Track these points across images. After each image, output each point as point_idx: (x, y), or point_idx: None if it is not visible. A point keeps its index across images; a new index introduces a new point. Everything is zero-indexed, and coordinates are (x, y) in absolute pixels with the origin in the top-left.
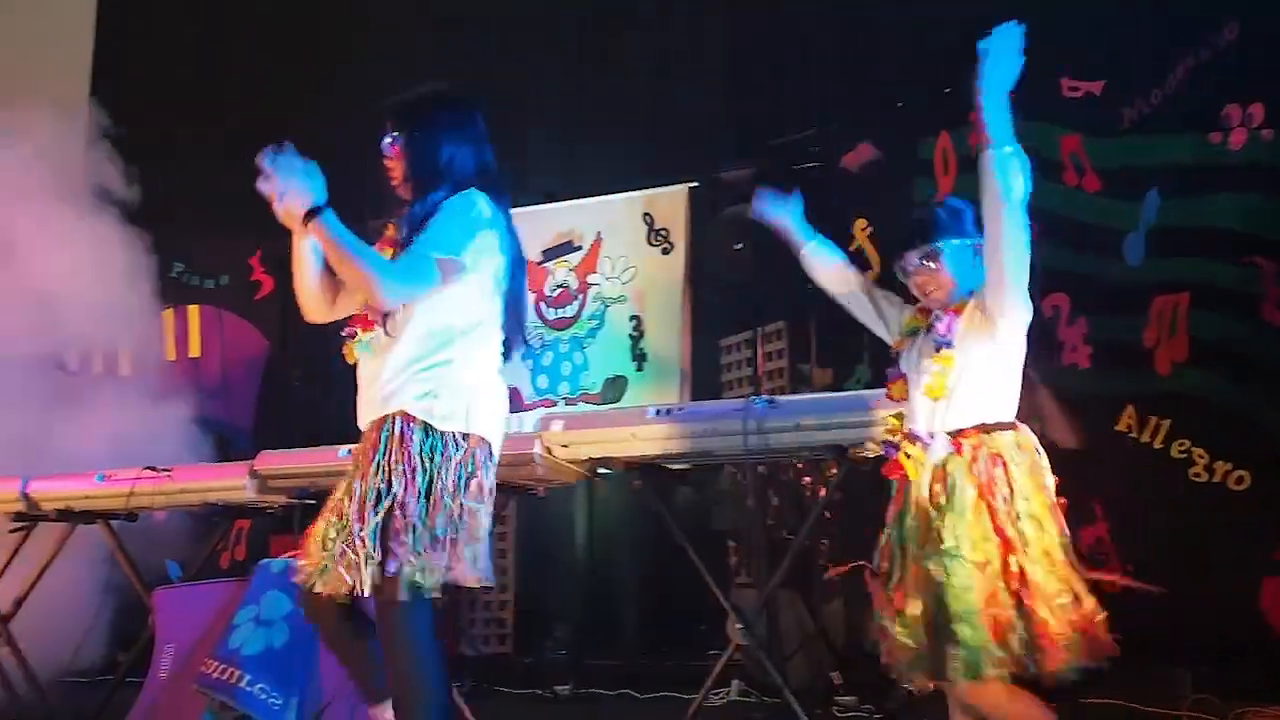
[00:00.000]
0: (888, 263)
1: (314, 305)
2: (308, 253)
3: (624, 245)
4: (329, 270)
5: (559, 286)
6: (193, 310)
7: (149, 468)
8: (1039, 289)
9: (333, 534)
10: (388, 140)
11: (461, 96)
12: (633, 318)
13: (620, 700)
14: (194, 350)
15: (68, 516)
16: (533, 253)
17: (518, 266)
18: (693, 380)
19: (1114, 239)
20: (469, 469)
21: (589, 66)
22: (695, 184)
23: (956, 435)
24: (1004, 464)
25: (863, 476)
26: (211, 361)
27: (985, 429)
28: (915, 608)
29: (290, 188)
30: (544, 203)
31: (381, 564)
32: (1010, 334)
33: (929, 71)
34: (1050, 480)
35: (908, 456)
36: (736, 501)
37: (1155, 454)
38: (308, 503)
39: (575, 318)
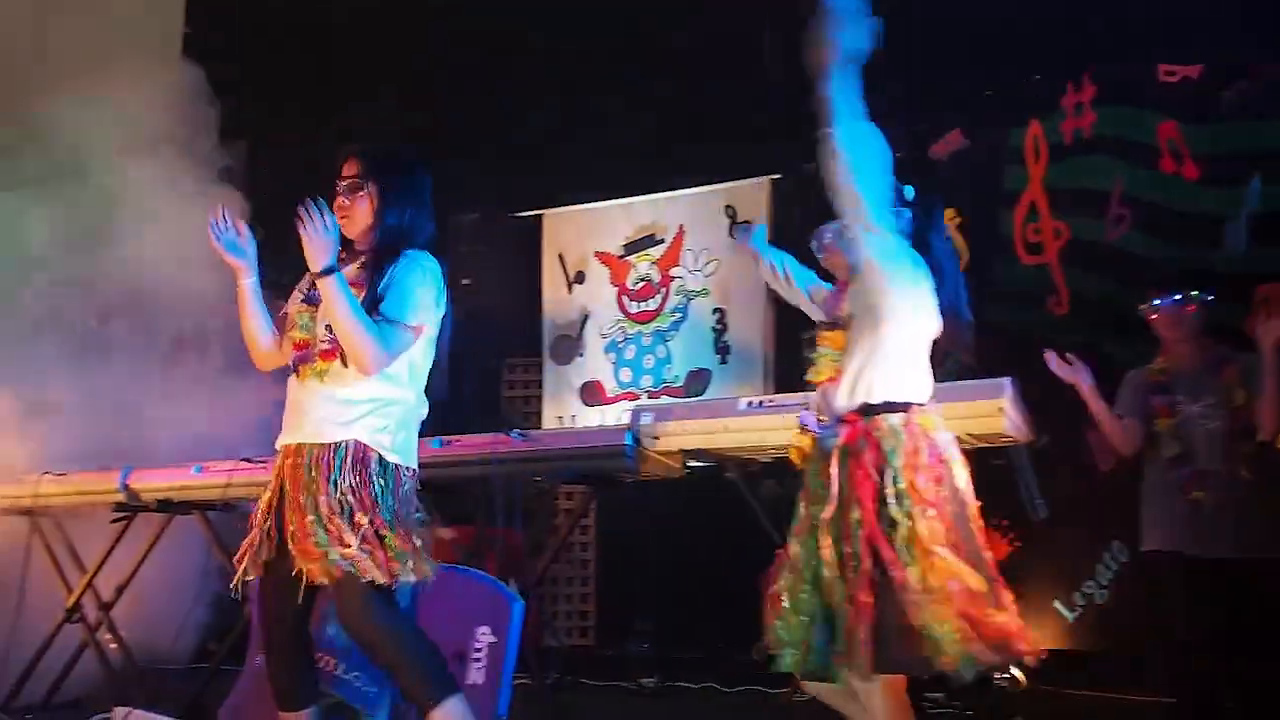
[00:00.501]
0: (981, 253)
1: (266, 354)
2: (253, 299)
3: (706, 238)
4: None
5: (641, 280)
6: None
7: (245, 459)
8: (1126, 276)
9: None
10: (352, 184)
11: (425, 160)
12: (715, 310)
13: (705, 693)
14: None
15: (166, 507)
16: (614, 246)
17: (448, 317)
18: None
19: (1214, 227)
20: (409, 495)
21: (671, 59)
22: (778, 176)
23: (841, 420)
24: (878, 449)
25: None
26: None
27: (865, 411)
28: (790, 600)
29: (318, 239)
30: (626, 196)
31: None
32: (896, 307)
33: (1019, 58)
34: (946, 467)
35: (796, 447)
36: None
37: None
38: None
39: (658, 311)
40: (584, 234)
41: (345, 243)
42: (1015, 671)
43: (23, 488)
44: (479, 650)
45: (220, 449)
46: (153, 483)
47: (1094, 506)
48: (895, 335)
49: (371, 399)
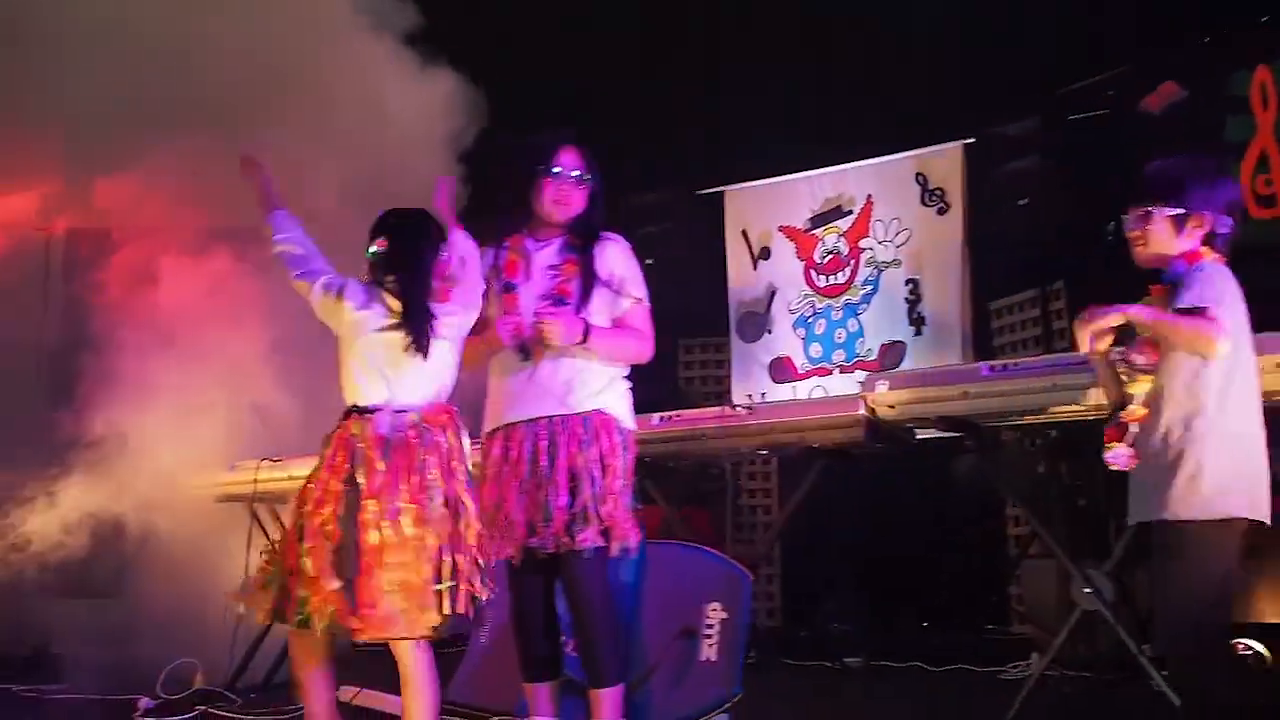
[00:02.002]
0: None
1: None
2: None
3: (896, 207)
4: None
5: (829, 253)
6: None
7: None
8: None
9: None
10: (582, 175)
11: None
12: (909, 281)
13: (911, 672)
14: None
15: None
16: (800, 220)
17: None
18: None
19: None
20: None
21: (854, 24)
22: (971, 140)
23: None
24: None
25: None
26: None
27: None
28: None
29: (561, 331)
30: (810, 169)
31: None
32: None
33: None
34: (439, 457)
35: None
36: (1025, 468)
37: None
38: None
39: (848, 284)
40: (767, 209)
41: (529, 221)
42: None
43: (241, 474)
44: (710, 627)
45: None
46: None
47: None
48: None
49: (607, 369)
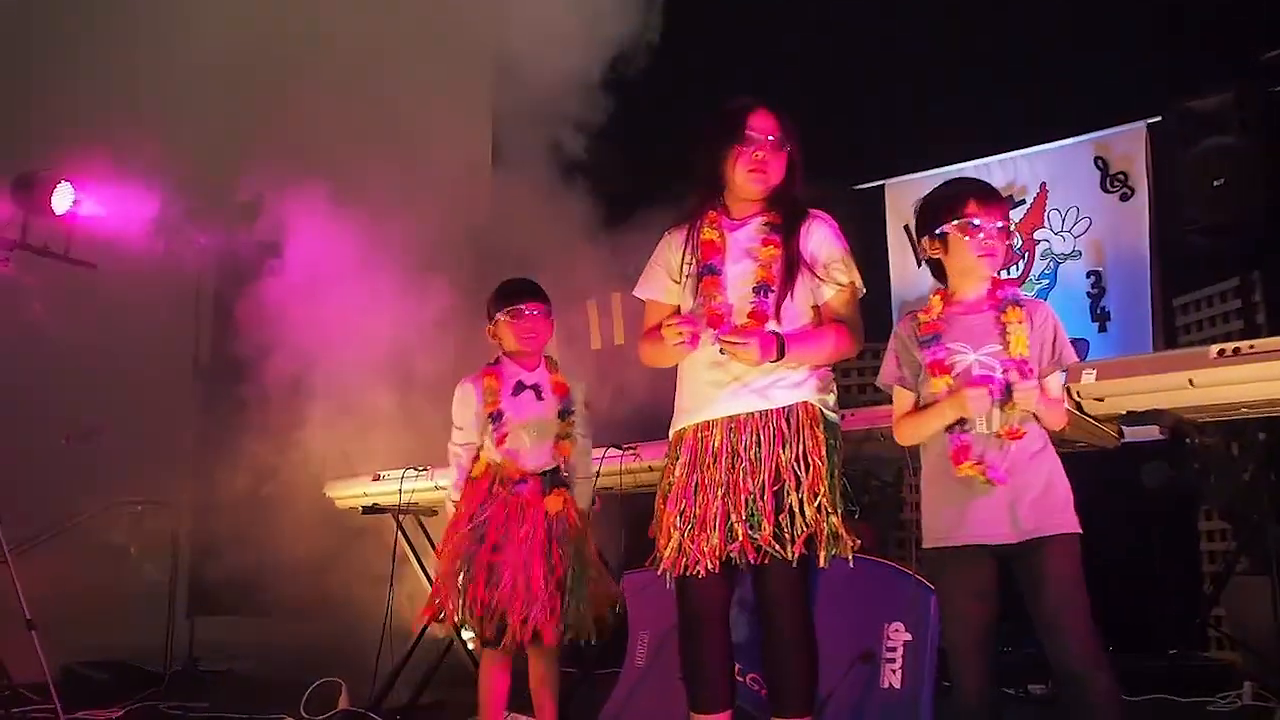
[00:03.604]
0: None
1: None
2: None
3: (1074, 195)
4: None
5: None
6: (615, 297)
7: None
8: None
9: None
10: (779, 140)
11: None
12: (1090, 274)
13: None
14: (619, 338)
15: None
16: None
17: None
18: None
19: None
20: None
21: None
22: (1157, 119)
23: None
24: None
25: None
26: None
27: None
28: None
29: (755, 354)
30: (977, 158)
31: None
32: None
33: None
34: None
35: None
36: (1229, 474)
37: None
38: None
39: (1022, 278)
40: None
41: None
42: None
43: (386, 485)
44: (893, 650)
45: None
46: None
47: None
48: None
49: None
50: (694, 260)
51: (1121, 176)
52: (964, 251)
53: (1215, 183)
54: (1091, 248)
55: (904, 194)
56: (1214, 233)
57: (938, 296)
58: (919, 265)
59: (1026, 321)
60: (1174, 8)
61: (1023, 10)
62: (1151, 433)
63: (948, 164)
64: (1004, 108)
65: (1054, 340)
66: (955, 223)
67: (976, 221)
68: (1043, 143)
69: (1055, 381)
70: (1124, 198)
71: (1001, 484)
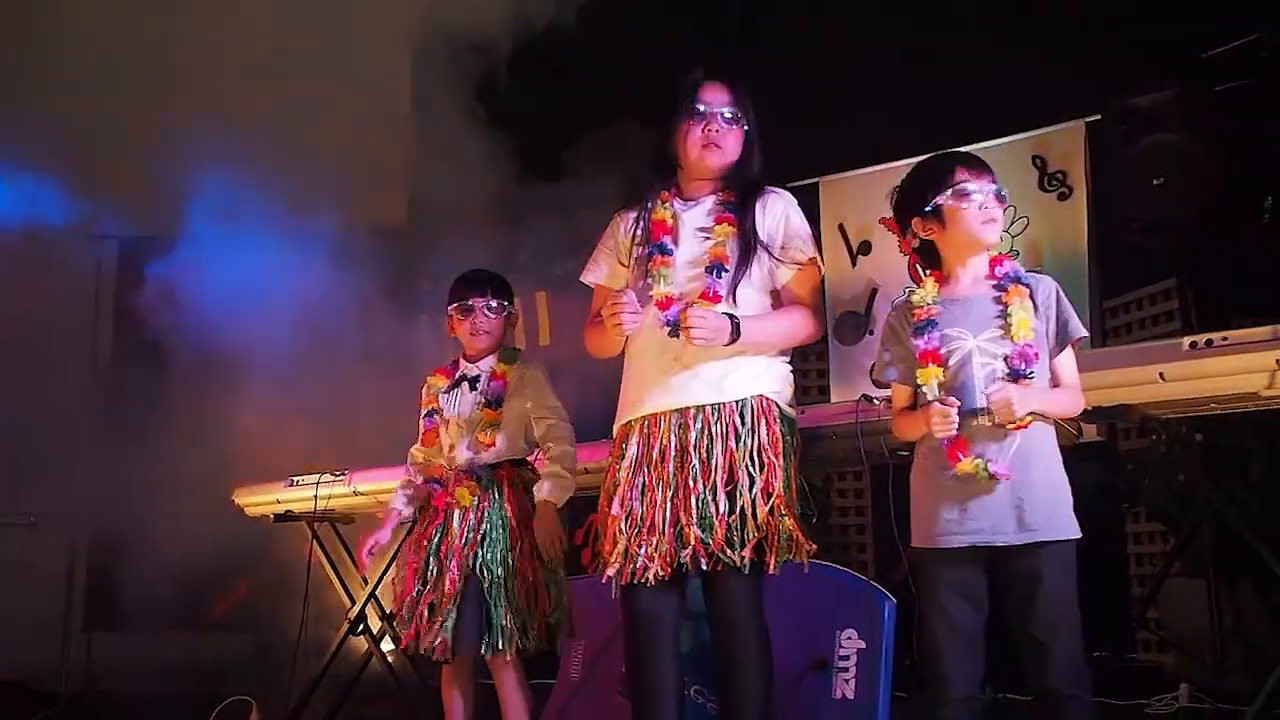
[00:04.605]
0: None
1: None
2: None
3: (1011, 194)
4: None
5: None
6: (540, 297)
7: None
8: None
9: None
10: (734, 113)
11: None
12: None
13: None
14: (544, 339)
15: None
16: None
17: None
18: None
19: None
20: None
21: None
22: (1096, 117)
23: None
24: None
25: None
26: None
27: None
28: None
29: (706, 332)
30: (912, 156)
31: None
32: None
33: None
34: None
35: None
36: (1164, 475)
37: None
38: None
39: None
40: (867, 200)
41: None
42: None
43: (301, 491)
44: (846, 659)
45: None
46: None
47: None
48: None
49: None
50: (645, 242)
51: (1060, 175)
52: (963, 222)
53: (1155, 181)
54: (1029, 248)
55: (838, 192)
56: (1154, 231)
57: (932, 279)
58: (853, 265)
59: (1028, 301)
60: (1112, 5)
61: (960, 7)
62: (1090, 432)
63: (883, 162)
64: (940, 105)
65: (1057, 315)
66: (949, 192)
67: (971, 187)
68: (979, 141)
69: (1066, 362)
70: (1062, 197)
71: (1005, 478)
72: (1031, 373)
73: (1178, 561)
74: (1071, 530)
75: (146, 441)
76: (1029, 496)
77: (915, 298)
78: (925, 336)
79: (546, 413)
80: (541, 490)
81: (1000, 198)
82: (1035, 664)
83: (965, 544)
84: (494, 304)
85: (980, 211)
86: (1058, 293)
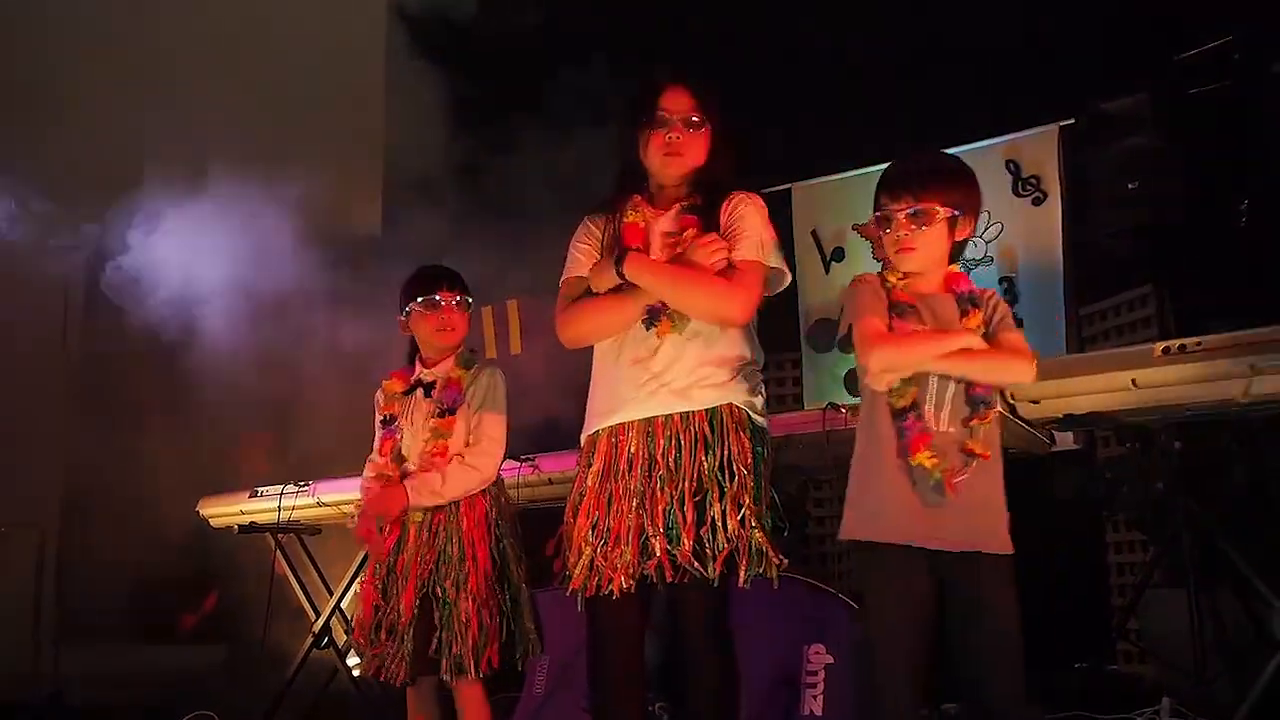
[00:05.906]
0: None
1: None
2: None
3: (985, 199)
4: None
5: None
6: (512, 305)
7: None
8: None
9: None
10: (695, 119)
11: None
12: (1003, 280)
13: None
14: (515, 347)
15: None
16: None
17: None
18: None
19: None
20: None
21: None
22: (1070, 121)
23: None
24: None
25: None
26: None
27: None
28: None
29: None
30: (888, 160)
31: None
32: None
33: None
34: None
35: None
36: (1143, 484)
37: None
38: None
39: None
40: (840, 206)
41: (645, 181)
42: None
43: (264, 502)
44: (814, 674)
45: None
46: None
47: None
48: None
49: (739, 355)
50: (615, 246)
51: (1034, 180)
52: (886, 247)
53: (1130, 185)
54: (1003, 254)
55: (811, 198)
56: (1129, 236)
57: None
58: (826, 272)
59: (984, 323)
60: (1086, 8)
61: (932, 11)
62: (1067, 440)
63: (856, 168)
64: (913, 110)
65: (997, 319)
66: (876, 214)
67: (887, 212)
68: (952, 145)
69: (1009, 336)
70: (1036, 202)
71: (952, 492)
72: (991, 400)
73: (1158, 571)
74: (1007, 545)
75: (115, 453)
76: (967, 506)
77: (893, 277)
78: (906, 319)
79: (483, 431)
80: (411, 480)
81: (928, 217)
82: (973, 682)
83: (894, 540)
84: (460, 299)
85: (894, 239)
86: (1002, 306)
